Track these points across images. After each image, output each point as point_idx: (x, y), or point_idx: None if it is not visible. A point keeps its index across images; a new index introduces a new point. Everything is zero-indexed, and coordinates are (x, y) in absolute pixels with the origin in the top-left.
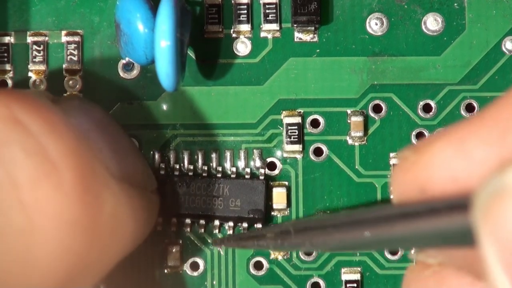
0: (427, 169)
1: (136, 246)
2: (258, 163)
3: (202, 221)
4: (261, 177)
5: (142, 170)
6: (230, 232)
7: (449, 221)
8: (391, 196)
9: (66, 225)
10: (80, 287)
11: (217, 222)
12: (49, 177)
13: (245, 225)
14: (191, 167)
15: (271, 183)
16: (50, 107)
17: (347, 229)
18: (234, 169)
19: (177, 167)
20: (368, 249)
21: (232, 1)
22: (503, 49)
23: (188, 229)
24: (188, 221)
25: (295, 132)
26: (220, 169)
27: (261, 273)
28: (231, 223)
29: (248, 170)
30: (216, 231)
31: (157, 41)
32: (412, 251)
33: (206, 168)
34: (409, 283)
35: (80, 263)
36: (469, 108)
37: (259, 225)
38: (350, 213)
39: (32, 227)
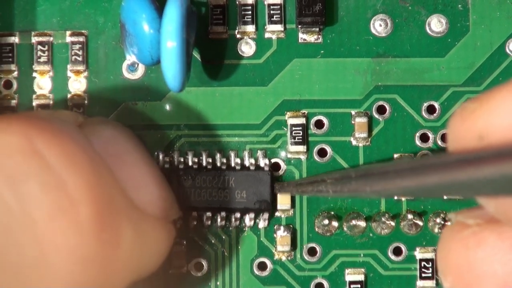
0: (487, 116)
1: (147, 275)
2: (262, 163)
3: (208, 214)
4: (266, 168)
5: (165, 198)
6: (237, 223)
7: None
8: (446, 145)
9: (80, 262)
10: None
11: (223, 214)
12: (66, 213)
13: (251, 216)
14: (196, 160)
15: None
16: (71, 136)
17: (409, 175)
18: (238, 161)
19: (182, 160)
20: (428, 195)
21: (237, 2)
22: (507, 50)
23: (195, 222)
24: (194, 214)
25: (299, 133)
26: (224, 160)
27: (265, 273)
28: (237, 215)
29: (252, 161)
30: (222, 223)
31: (163, 42)
32: (452, 215)
33: (210, 160)
34: (447, 241)
35: None
36: None
37: (266, 216)
38: (412, 159)
39: (46, 263)
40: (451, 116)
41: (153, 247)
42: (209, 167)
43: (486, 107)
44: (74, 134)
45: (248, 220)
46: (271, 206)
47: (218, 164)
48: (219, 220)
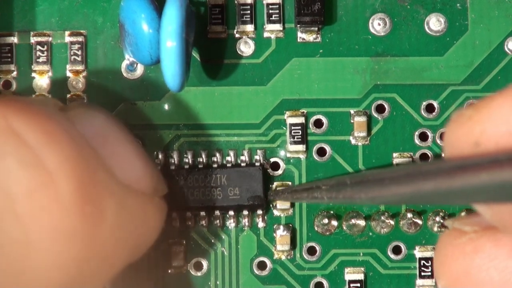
0: (483, 122)
1: (141, 254)
2: (253, 159)
3: (202, 213)
4: (257, 164)
5: (151, 176)
6: (232, 221)
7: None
8: (443, 152)
9: (63, 236)
10: None
11: (217, 213)
12: (45, 188)
13: (246, 212)
14: (186, 161)
15: (274, 184)
16: (50, 116)
17: (405, 181)
18: (229, 158)
19: (173, 161)
20: (424, 202)
21: (236, 1)
22: (506, 49)
23: (190, 223)
24: (189, 214)
25: (299, 132)
26: (215, 159)
27: (265, 273)
28: (231, 212)
29: (243, 158)
30: (218, 221)
31: (163, 42)
32: (449, 222)
33: (201, 159)
34: (444, 247)
35: (79, 274)
36: None
37: (259, 212)
38: (408, 166)
39: (27, 238)
40: (448, 122)
41: (141, 222)
42: (201, 166)
43: (482, 113)
44: (52, 114)
45: (243, 217)
46: (265, 202)
47: (210, 163)
48: (214, 219)
